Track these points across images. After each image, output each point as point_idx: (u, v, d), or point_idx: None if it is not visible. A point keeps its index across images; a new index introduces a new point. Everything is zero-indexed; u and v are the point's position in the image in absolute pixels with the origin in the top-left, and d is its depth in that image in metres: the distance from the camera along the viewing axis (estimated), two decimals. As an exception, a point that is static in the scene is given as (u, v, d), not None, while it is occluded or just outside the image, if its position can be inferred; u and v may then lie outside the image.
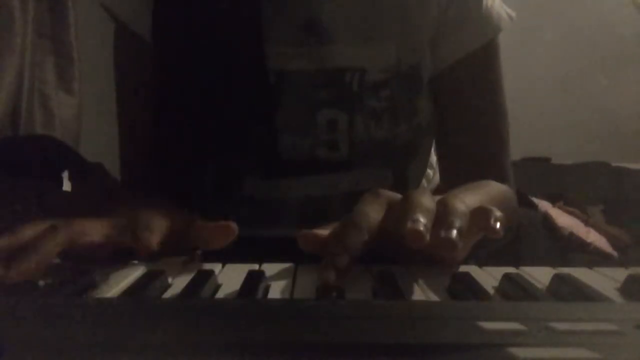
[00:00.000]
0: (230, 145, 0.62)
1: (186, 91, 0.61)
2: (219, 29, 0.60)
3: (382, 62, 0.61)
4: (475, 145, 0.67)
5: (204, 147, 0.63)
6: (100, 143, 1.67)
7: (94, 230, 0.42)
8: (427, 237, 0.36)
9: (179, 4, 0.61)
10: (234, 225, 0.43)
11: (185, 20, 0.60)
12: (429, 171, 0.74)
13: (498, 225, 0.38)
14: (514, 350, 0.23)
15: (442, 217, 0.38)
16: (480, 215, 0.39)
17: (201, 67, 0.60)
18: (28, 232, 0.40)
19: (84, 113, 1.62)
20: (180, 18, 0.61)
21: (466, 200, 0.40)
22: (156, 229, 0.42)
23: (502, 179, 0.65)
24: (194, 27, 0.60)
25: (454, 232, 0.36)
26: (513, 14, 0.68)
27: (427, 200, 0.39)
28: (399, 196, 0.42)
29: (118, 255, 0.42)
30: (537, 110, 2.09)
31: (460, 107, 0.67)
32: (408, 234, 0.36)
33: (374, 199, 0.42)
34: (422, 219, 0.36)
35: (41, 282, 0.38)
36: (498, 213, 0.38)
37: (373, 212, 0.40)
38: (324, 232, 0.43)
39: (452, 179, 0.70)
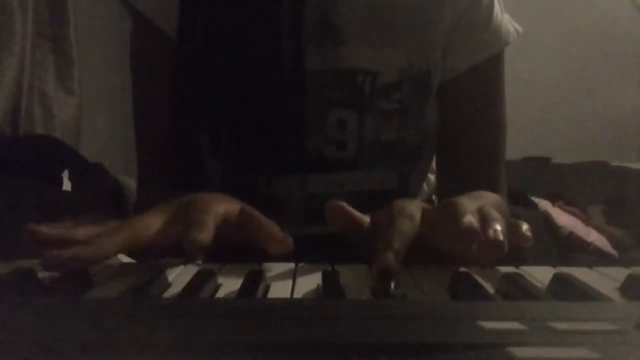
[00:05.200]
0: (240, 140, 0.63)
1: (203, 86, 0.63)
2: (239, 27, 0.61)
3: (395, 65, 0.62)
4: (473, 156, 0.69)
5: (214, 141, 0.64)
6: (100, 143, 1.68)
7: (153, 225, 0.43)
8: (481, 235, 0.39)
9: (205, 3, 0.62)
10: (290, 242, 0.44)
11: (209, 18, 0.62)
12: (430, 175, 0.75)
13: (529, 233, 0.42)
14: (514, 350, 0.23)
15: (485, 222, 0.41)
16: (512, 228, 0.42)
17: (219, 63, 0.62)
18: (89, 230, 0.41)
19: (84, 113, 1.62)
20: (204, 16, 0.62)
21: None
22: (209, 221, 0.42)
23: (495, 189, 0.67)
24: (216, 24, 0.62)
25: (500, 234, 0.40)
26: (520, 29, 0.70)
27: (473, 206, 0.42)
28: (428, 205, 0.45)
29: (178, 248, 0.43)
30: (537, 110, 2.09)
31: (462, 116, 0.68)
32: (466, 231, 0.39)
33: (410, 202, 0.45)
34: (473, 220, 0.40)
35: (42, 276, 0.38)
36: (526, 225, 0.42)
37: (415, 210, 0.43)
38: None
39: (448, 185, 0.71)
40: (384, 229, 0.41)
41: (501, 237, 0.39)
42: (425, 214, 0.43)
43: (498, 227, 0.40)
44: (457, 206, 0.41)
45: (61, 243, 0.40)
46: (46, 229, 0.42)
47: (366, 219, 0.46)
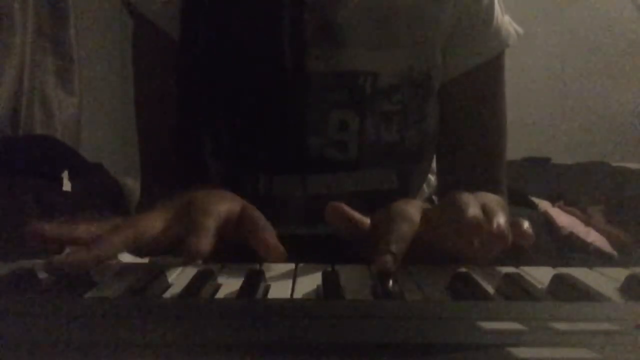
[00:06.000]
0: (242, 141, 0.63)
1: (204, 87, 0.63)
2: (240, 29, 0.61)
3: (395, 67, 0.62)
4: (473, 156, 0.69)
5: (216, 142, 0.64)
6: (100, 143, 1.68)
7: (155, 224, 0.43)
8: (486, 227, 0.39)
9: (206, 5, 0.62)
10: (283, 252, 0.43)
11: (210, 20, 0.62)
12: (430, 176, 0.75)
13: (531, 231, 0.42)
14: (514, 350, 0.23)
15: (489, 215, 0.41)
16: (513, 226, 0.42)
17: (221, 64, 0.62)
18: (92, 228, 0.41)
19: (84, 113, 1.63)
20: (205, 17, 0.62)
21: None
22: (210, 225, 0.42)
23: (495, 189, 0.68)
24: (218, 26, 0.62)
25: (504, 227, 0.40)
26: (520, 30, 0.70)
27: (475, 201, 0.42)
28: (428, 205, 0.46)
29: (178, 248, 0.43)
30: (537, 110, 2.09)
31: (462, 117, 0.69)
32: (470, 223, 0.39)
33: (409, 203, 0.44)
34: (478, 212, 0.40)
35: (42, 276, 0.38)
36: (527, 222, 0.43)
37: (414, 211, 0.43)
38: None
39: (448, 185, 0.71)
40: (382, 231, 0.41)
41: (505, 230, 0.40)
42: (426, 214, 0.43)
43: (502, 220, 0.40)
44: (461, 200, 0.42)
45: (64, 242, 0.40)
46: (49, 228, 0.42)
47: (366, 220, 0.46)
